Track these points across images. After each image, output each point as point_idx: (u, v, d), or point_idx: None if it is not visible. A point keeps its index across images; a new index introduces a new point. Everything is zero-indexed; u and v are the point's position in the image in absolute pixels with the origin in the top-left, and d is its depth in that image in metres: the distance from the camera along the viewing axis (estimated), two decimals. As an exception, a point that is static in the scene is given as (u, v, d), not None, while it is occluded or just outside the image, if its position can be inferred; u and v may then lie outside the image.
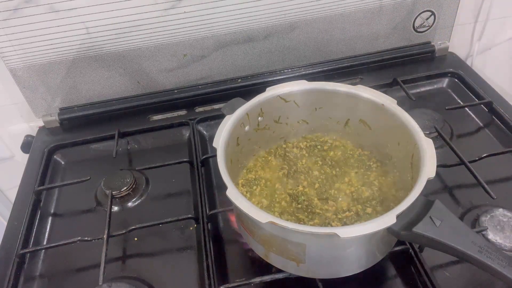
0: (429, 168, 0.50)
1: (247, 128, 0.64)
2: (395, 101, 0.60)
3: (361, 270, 0.54)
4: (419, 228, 0.45)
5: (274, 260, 0.55)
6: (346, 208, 0.60)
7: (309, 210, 0.61)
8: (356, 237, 0.45)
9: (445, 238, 0.45)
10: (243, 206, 0.48)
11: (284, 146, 0.71)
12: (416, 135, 0.55)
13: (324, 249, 0.50)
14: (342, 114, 0.67)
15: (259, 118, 0.66)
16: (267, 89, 0.65)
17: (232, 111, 0.61)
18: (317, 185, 0.64)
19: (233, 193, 0.49)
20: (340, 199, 0.62)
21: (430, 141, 0.53)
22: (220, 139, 0.57)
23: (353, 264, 0.54)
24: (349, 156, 0.69)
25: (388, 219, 0.45)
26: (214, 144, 0.56)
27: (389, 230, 0.46)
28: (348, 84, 0.64)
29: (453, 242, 0.44)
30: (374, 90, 0.62)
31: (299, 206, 0.61)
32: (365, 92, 0.62)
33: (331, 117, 0.68)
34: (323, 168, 0.67)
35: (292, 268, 0.54)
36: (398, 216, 0.45)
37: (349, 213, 0.59)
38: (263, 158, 0.69)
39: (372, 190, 0.62)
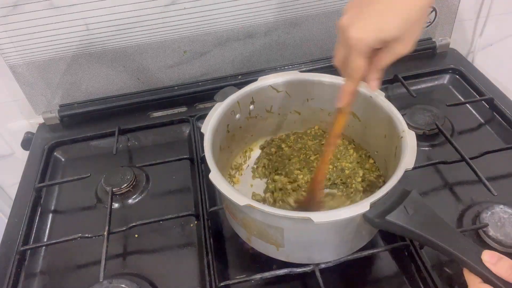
0: (407, 160, 0.51)
1: (238, 116, 0.65)
2: (383, 94, 0.61)
3: (340, 257, 0.55)
4: (391, 217, 0.46)
5: (256, 243, 0.56)
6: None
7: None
8: (330, 223, 0.46)
9: (416, 227, 0.46)
10: (224, 189, 0.49)
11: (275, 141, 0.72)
12: (400, 127, 0.56)
13: (301, 234, 0.51)
14: (333, 106, 0.68)
15: (251, 106, 0.66)
16: (259, 78, 0.66)
17: (224, 99, 0.62)
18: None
19: (215, 176, 0.51)
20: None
21: (413, 133, 0.54)
22: (208, 125, 0.58)
23: (331, 250, 0.55)
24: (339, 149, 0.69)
25: (361, 207, 0.46)
26: (202, 130, 0.58)
27: (364, 217, 0.48)
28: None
29: (422, 231, 0.45)
30: (364, 82, 0.63)
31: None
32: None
33: (322, 108, 0.69)
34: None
35: (272, 252, 0.55)
36: (372, 204, 0.46)
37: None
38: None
39: (359, 181, 0.64)
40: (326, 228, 0.50)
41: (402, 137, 0.55)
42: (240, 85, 0.66)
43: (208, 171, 0.52)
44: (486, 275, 0.42)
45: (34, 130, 0.90)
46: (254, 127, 0.70)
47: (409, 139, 0.53)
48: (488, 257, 0.42)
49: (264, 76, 0.66)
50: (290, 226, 0.49)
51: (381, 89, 0.62)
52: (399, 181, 0.49)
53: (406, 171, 0.50)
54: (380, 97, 0.61)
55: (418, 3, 0.44)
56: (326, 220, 0.46)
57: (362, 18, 0.45)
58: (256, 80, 0.66)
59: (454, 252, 0.44)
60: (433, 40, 0.96)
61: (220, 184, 0.50)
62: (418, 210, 0.47)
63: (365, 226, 0.50)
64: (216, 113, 0.60)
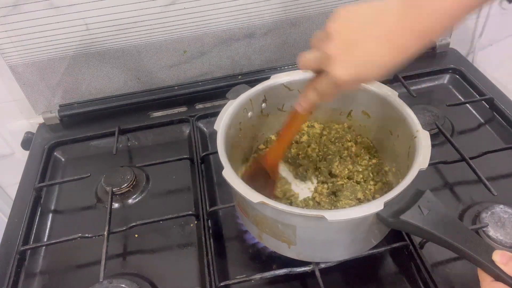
0: (422, 159, 0.51)
1: (250, 114, 0.65)
2: (397, 94, 0.61)
3: (351, 256, 0.55)
4: (406, 216, 0.46)
5: (267, 241, 0.56)
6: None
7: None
8: (344, 221, 0.46)
9: (431, 227, 0.45)
10: (237, 186, 0.49)
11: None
12: (414, 127, 0.56)
13: (314, 232, 0.51)
14: (345, 105, 0.68)
15: (263, 104, 0.66)
16: (272, 76, 0.65)
17: (236, 96, 0.62)
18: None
19: (228, 173, 0.51)
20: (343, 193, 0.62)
21: (427, 133, 0.54)
22: (221, 122, 0.58)
23: (343, 249, 0.54)
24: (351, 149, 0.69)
25: (375, 205, 0.46)
26: (215, 127, 0.57)
27: (377, 216, 0.47)
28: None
29: (438, 231, 0.45)
30: (377, 82, 0.62)
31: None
32: (368, 84, 0.63)
33: (334, 107, 0.69)
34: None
35: (284, 250, 0.55)
36: (386, 203, 0.46)
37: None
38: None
39: (372, 180, 0.63)
40: (339, 227, 0.50)
41: (415, 137, 0.54)
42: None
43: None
44: (498, 273, 0.42)
45: (34, 130, 0.90)
46: (265, 125, 0.70)
47: (423, 139, 0.53)
48: (499, 258, 0.43)
49: (277, 74, 0.66)
50: (303, 223, 0.49)
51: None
52: (412, 181, 0.48)
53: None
54: (393, 97, 0.60)
55: (398, 57, 0.44)
56: (340, 219, 0.45)
57: (347, 60, 0.45)
58: (255, 83, 0.65)
59: (468, 251, 0.44)
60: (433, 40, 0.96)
61: (233, 181, 0.50)
62: (433, 210, 0.46)
63: (377, 226, 0.50)
64: (228, 110, 0.60)
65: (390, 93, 0.61)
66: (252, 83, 0.66)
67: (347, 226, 0.50)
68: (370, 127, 0.67)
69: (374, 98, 0.62)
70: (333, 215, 0.45)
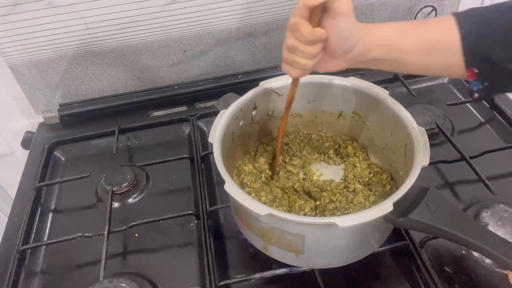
0: (422, 156, 0.51)
1: (241, 123, 0.64)
2: (388, 92, 0.61)
3: (358, 259, 0.55)
4: (415, 215, 0.46)
5: (273, 252, 0.55)
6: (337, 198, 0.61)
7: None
8: (354, 226, 0.45)
9: (441, 223, 0.45)
10: (242, 200, 0.48)
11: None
12: (408, 125, 0.56)
13: (323, 239, 0.50)
14: (335, 107, 0.68)
15: (253, 112, 0.66)
16: (261, 83, 0.65)
17: (225, 106, 0.61)
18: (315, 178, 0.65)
19: (231, 187, 0.50)
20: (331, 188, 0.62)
21: (423, 129, 0.54)
22: (216, 135, 0.57)
23: (350, 253, 0.54)
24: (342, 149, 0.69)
25: (385, 207, 0.46)
26: (209, 140, 0.57)
27: (386, 217, 0.47)
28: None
29: (449, 227, 0.45)
30: (367, 82, 0.63)
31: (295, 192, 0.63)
32: (358, 84, 0.63)
33: (324, 110, 0.69)
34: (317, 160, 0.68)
35: (290, 260, 0.54)
36: (394, 204, 0.46)
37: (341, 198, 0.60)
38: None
39: (363, 180, 0.63)
40: (349, 232, 0.50)
41: (409, 133, 0.54)
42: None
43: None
44: None
45: (34, 130, 0.90)
46: (256, 133, 0.69)
47: (421, 136, 0.53)
48: None
49: (266, 81, 0.65)
50: (312, 232, 0.49)
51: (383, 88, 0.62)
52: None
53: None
54: (384, 96, 0.60)
55: None
56: (351, 224, 0.45)
57: None
58: (255, 82, 0.65)
59: (481, 245, 0.44)
60: (433, 39, 0.96)
61: (237, 195, 0.49)
62: (440, 206, 0.46)
63: (383, 227, 0.50)
64: (221, 121, 0.59)
65: (381, 92, 0.61)
66: (252, 83, 0.66)
67: (356, 230, 0.50)
68: (361, 127, 0.67)
69: (365, 98, 0.62)
70: (344, 221, 0.45)
